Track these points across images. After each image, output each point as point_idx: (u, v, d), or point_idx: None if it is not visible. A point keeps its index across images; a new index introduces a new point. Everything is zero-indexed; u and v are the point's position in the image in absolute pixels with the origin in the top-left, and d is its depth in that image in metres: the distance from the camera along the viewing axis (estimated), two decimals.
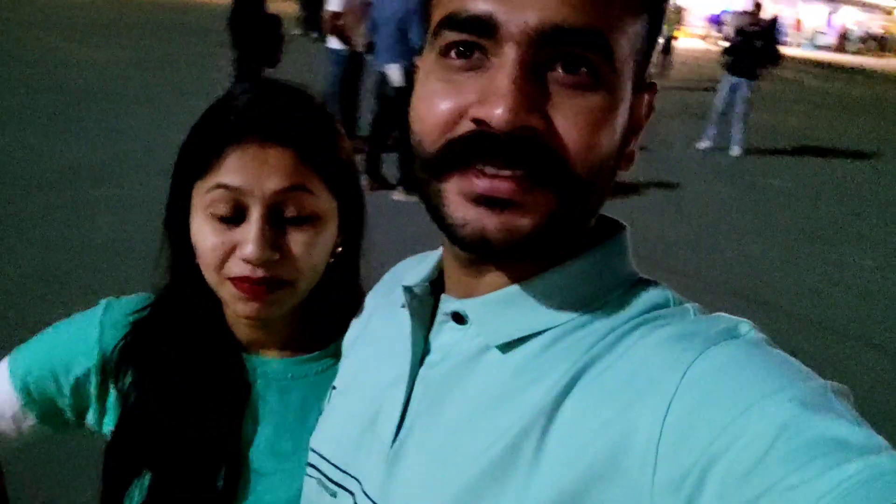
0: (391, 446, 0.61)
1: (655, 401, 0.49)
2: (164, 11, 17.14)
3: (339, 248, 0.88)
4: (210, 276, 0.82)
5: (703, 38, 34.37)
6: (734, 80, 8.90)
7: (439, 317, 0.65)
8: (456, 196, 0.53)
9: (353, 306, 0.90)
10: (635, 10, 0.53)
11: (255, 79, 0.88)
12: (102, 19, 14.09)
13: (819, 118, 13.67)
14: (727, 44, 9.67)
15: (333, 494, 0.67)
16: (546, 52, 0.51)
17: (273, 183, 0.78)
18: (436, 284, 0.68)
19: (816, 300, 4.80)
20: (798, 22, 41.05)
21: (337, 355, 0.88)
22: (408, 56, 5.44)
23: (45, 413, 0.89)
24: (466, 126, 0.52)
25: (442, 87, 0.54)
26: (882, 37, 46.13)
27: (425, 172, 0.56)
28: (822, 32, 44.78)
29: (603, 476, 0.49)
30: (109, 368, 0.87)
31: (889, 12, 51.11)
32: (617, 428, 0.50)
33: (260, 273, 0.78)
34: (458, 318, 0.62)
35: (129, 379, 0.86)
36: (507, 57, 0.51)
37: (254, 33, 6.59)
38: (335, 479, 0.67)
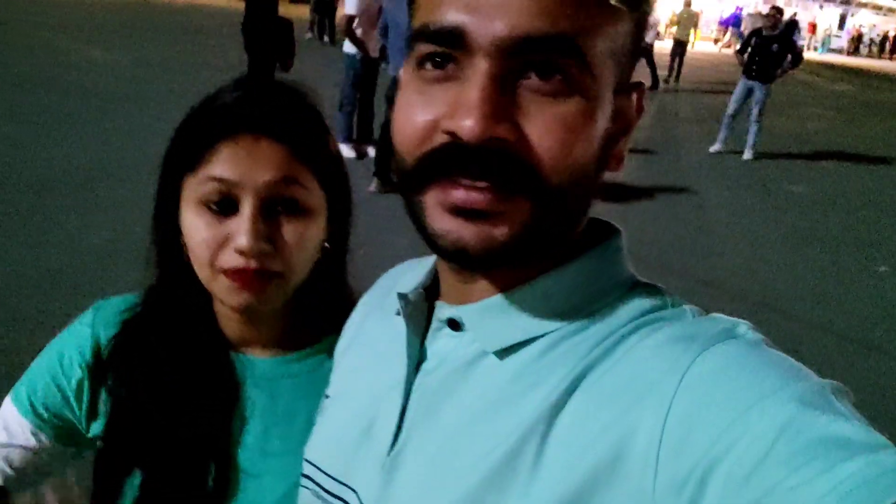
0: (388, 454, 0.61)
1: (655, 403, 0.49)
2: (170, 13, 17.24)
3: (327, 244, 0.88)
4: (202, 269, 0.82)
5: (716, 41, 34.23)
6: (749, 83, 8.86)
7: (434, 323, 0.64)
8: (435, 207, 0.54)
9: (341, 303, 0.90)
10: (612, 12, 0.52)
11: (271, 79, 0.90)
12: (108, 21, 14.15)
13: (832, 122, 13.57)
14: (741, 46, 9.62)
15: None
16: (517, 60, 0.51)
17: (266, 175, 0.79)
18: (430, 291, 0.67)
19: (830, 307, 4.76)
20: (811, 25, 40.79)
21: (326, 353, 0.88)
22: None
23: (59, 431, 0.89)
24: (440, 138, 0.52)
25: (417, 99, 0.54)
26: (892, 38, 45.72)
27: (406, 184, 0.56)
28: (835, 35, 44.51)
29: (604, 480, 0.49)
30: (100, 368, 0.87)
31: None
32: (617, 431, 0.50)
33: (253, 264, 0.79)
34: (454, 325, 0.62)
35: (118, 378, 0.87)
36: (478, 68, 0.51)
37: (266, 37, 6.63)
38: (331, 490, 0.67)
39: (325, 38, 15.15)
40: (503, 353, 0.58)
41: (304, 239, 0.82)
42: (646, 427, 0.48)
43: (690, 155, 8.97)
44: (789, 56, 8.80)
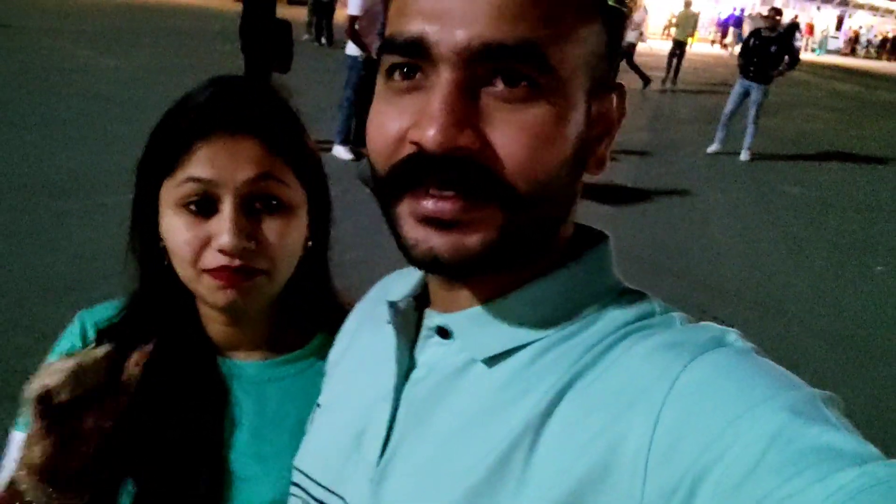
0: (377, 465, 0.61)
1: (645, 411, 0.48)
2: (178, 17, 17.24)
3: (309, 242, 0.88)
4: (185, 270, 0.81)
5: (714, 42, 34.29)
6: (746, 83, 8.87)
7: (424, 331, 0.64)
8: (408, 217, 0.54)
9: (326, 303, 0.90)
10: (582, 16, 0.52)
11: (268, 82, 0.89)
12: (117, 25, 14.15)
13: (830, 123, 13.59)
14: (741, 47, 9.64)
15: None
16: (481, 68, 0.50)
17: (244, 173, 0.78)
18: (420, 299, 0.67)
19: (827, 307, 4.76)
20: (809, 26, 40.87)
21: (314, 355, 0.88)
22: None
23: None
24: (408, 149, 0.52)
25: (387, 109, 0.55)
26: (892, 40, 45.82)
27: (381, 195, 0.56)
28: (833, 37, 44.61)
29: (593, 488, 0.49)
30: None
31: None
32: (606, 439, 0.49)
33: (237, 262, 0.79)
34: (443, 333, 0.62)
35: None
36: (441, 77, 0.50)
37: (264, 39, 6.62)
38: (320, 499, 0.66)
39: (323, 40, 15.16)
40: (492, 360, 0.58)
41: (286, 235, 0.82)
42: (635, 434, 0.48)
43: (688, 156, 8.98)
44: (787, 57, 8.82)
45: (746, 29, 23.58)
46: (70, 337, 0.89)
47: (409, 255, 0.54)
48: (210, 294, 0.81)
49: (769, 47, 8.68)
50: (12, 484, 0.72)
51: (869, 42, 46.66)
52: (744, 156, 9.05)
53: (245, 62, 6.77)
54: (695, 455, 0.45)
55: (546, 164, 0.52)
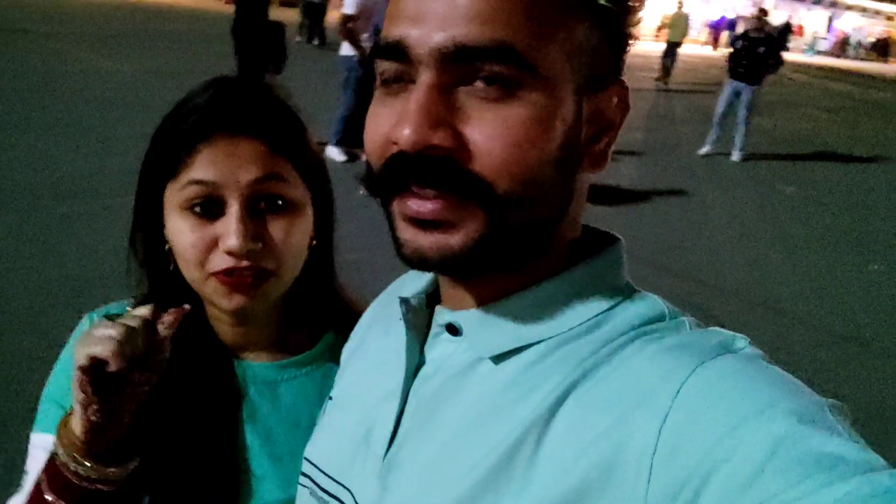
0: (383, 459, 0.61)
1: (651, 413, 0.49)
2: (174, 20, 17.24)
3: (314, 241, 0.88)
4: (192, 273, 0.81)
5: (705, 43, 34.41)
6: (736, 84, 8.90)
7: (434, 328, 0.65)
8: (398, 217, 0.55)
9: (333, 300, 0.90)
10: (566, 15, 0.52)
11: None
12: (113, 28, 14.14)
13: (823, 122, 13.67)
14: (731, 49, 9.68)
15: None
16: (459, 69, 0.51)
17: (248, 174, 0.78)
18: (432, 297, 0.68)
19: (824, 305, 4.79)
20: (799, 28, 41.07)
21: (324, 354, 0.88)
22: None
23: None
24: (392, 149, 0.53)
25: (379, 111, 0.56)
26: (884, 42, 46.09)
27: (378, 196, 0.57)
28: (822, 38, 44.83)
29: (596, 487, 0.49)
30: None
31: (890, 18, 51.12)
32: (611, 440, 0.49)
33: (244, 263, 0.78)
34: (453, 330, 0.62)
35: None
36: (421, 78, 0.52)
37: (257, 41, 6.61)
38: (328, 489, 0.67)
39: (315, 42, 15.15)
40: (499, 358, 0.58)
41: (292, 234, 0.82)
42: (641, 435, 0.48)
43: (683, 156, 9.01)
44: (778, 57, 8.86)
45: (741, 31, 23.65)
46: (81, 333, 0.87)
47: (400, 255, 0.55)
48: (218, 297, 0.81)
49: (757, 48, 8.71)
50: (53, 459, 0.71)
51: (859, 43, 46.91)
52: (735, 157, 9.08)
53: (238, 64, 6.75)
54: (700, 457, 0.45)
55: (526, 163, 0.51)
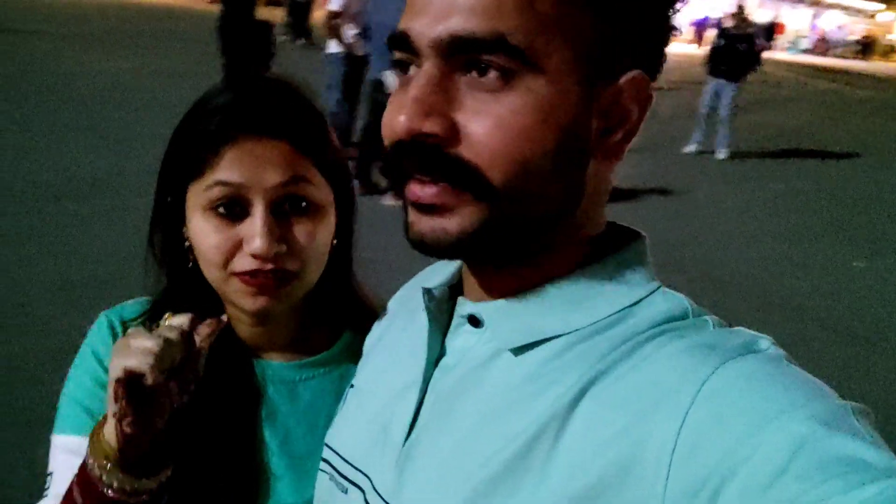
0: (402, 448, 0.62)
1: (671, 411, 0.48)
2: (164, 20, 17.12)
3: (335, 241, 0.87)
4: (215, 274, 0.80)
5: (690, 41, 34.57)
6: (717, 82, 8.93)
7: (456, 319, 0.65)
8: (407, 202, 0.57)
9: (352, 299, 0.89)
10: (568, 5, 0.52)
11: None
12: (106, 28, 14.03)
13: (809, 120, 13.74)
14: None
15: (344, 490, 0.67)
16: (457, 60, 0.52)
17: (273, 176, 0.78)
18: (455, 288, 0.68)
19: (812, 299, 4.84)
20: (781, 26, 41.34)
21: (343, 353, 0.88)
22: None
23: None
24: (395, 136, 0.54)
25: (392, 100, 0.57)
26: (868, 41, 46.49)
27: (391, 182, 0.59)
28: (804, 36, 45.16)
29: (614, 484, 0.49)
30: None
31: (871, 16, 51.59)
32: (630, 437, 0.49)
33: (269, 266, 0.78)
34: (474, 322, 0.62)
35: None
36: (421, 68, 0.54)
37: (244, 40, 6.56)
38: (346, 475, 0.68)
39: (301, 41, 15.08)
40: (519, 351, 0.58)
41: (315, 236, 0.82)
42: (660, 433, 0.48)
43: (668, 155, 9.03)
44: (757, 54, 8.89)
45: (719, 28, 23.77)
46: (98, 336, 0.87)
47: (406, 237, 0.57)
48: (240, 298, 0.80)
49: (737, 45, 8.74)
50: (85, 470, 0.70)
51: (841, 41, 47.28)
52: (721, 154, 9.11)
53: (224, 63, 6.70)
54: (720, 457, 0.44)
55: (519, 153, 0.51)
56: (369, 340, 0.83)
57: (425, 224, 0.55)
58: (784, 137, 11.13)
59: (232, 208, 0.79)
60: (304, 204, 0.81)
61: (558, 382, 0.54)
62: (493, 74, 0.51)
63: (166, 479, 0.74)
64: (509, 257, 0.58)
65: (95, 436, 0.71)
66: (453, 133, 0.52)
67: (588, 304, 0.58)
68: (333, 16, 6.22)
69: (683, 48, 31.02)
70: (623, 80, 0.55)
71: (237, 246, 0.79)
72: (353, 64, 6.30)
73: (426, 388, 0.64)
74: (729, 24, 9.33)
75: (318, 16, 11.10)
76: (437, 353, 0.65)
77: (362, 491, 0.65)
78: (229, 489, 0.81)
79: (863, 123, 14.41)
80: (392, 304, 0.84)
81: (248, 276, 0.79)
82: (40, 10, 15.02)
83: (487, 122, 0.52)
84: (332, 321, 0.93)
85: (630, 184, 7.01)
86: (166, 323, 0.72)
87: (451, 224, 0.54)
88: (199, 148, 0.79)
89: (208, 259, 0.80)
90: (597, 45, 0.53)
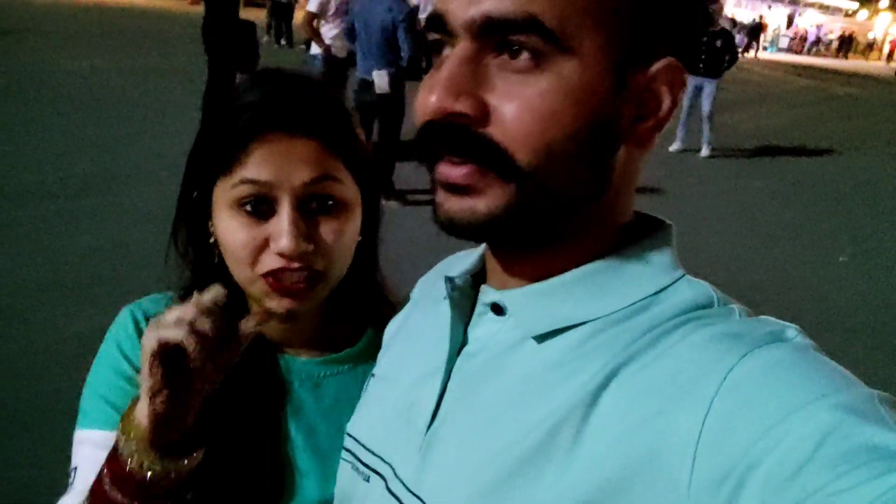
0: (425, 435, 0.61)
1: (696, 400, 0.48)
2: (137, 19, 17.04)
3: (359, 238, 0.87)
4: (241, 272, 0.80)
5: None
6: (697, 79, 8.98)
7: (479, 307, 0.64)
8: (436, 182, 0.56)
9: (376, 295, 0.89)
10: None
11: (233, 83, 0.87)
12: (77, 28, 13.94)
13: (791, 118, 13.88)
14: None
15: (367, 479, 0.67)
16: (489, 41, 0.52)
17: (302, 175, 0.77)
18: (478, 277, 0.67)
19: (798, 296, 4.88)
20: (766, 26, 41.79)
21: (366, 350, 0.88)
22: (394, 64, 5.42)
23: None
24: (426, 117, 0.55)
25: (425, 82, 0.57)
26: (847, 39, 47.11)
27: (422, 163, 0.58)
28: (785, 35, 45.69)
29: (639, 473, 0.48)
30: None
31: (849, 14, 52.28)
32: (656, 425, 0.49)
33: (296, 265, 0.77)
34: (497, 309, 0.62)
35: None
36: (454, 50, 0.54)
37: (228, 40, 6.52)
38: (368, 463, 0.67)
39: (283, 42, 15.03)
40: (543, 338, 0.58)
41: (343, 234, 0.81)
42: (685, 422, 0.47)
43: (655, 154, 9.06)
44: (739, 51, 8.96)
45: None
46: (122, 329, 0.86)
47: (435, 219, 0.57)
48: (267, 299, 0.80)
49: (714, 42, 8.80)
50: (116, 453, 0.69)
51: (819, 39, 47.88)
52: (704, 151, 9.17)
53: (209, 63, 6.67)
54: (746, 446, 0.44)
55: (547, 135, 0.51)
56: (389, 330, 0.83)
57: (454, 204, 0.55)
58: (768, 135, 11.22)
59: (259, 206, 0.78)
60: (331, 202, 0.80)
61: (583, 370, 0.54)
62: (524, 56, 0.51)
63: (196, 466, 0.72)
64: (537, 241, 0.58)
65: (126, 417, 0.69)
66: (483, 114, 0.52)
67: (613, 291, 0.57)
68: (311, 17, 6.21)
69: None
70: (656, 66, 0.54)
71: (264, 244, 0.78)
72: (333, 65, 6.29)
73: (449, 375, 0.63)
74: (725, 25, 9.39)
75: (299, 17, 11.10)
76: (459, 342, 0.64)
77: (384, 479, 0.64)
78: (255, 485, 0.80)
79: (843, 121, 14.56)
80: (413, 294, 0.83)
81: (272, 279, 0.78)
82: (17, 10, 14.87)
83: (517, 104, 0.51)
84: (355, 317, 0.93)
85: None
86: (199, 296, 0.70)
87: (480, 204, 0.53)
88: (228, 144, 0.78)
89: (236, 258, 0.79)
90: (630, 29, 0.53)
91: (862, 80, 27.17)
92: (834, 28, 50.53)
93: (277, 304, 0.79)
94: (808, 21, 49.50)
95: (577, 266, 0.58)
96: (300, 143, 0.77)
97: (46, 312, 3.37)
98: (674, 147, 9.28)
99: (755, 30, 31.57)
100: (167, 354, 0.63)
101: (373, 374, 0.78)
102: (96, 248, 4.21)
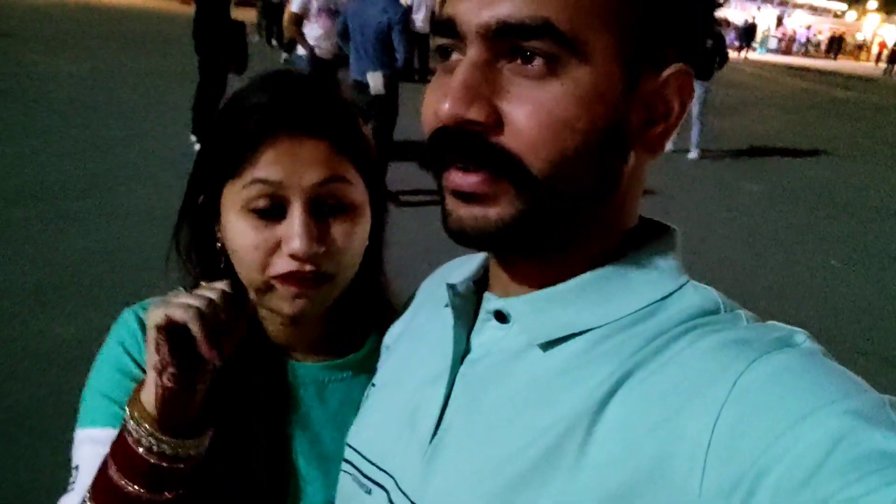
0: (429, 443, 0.60)
1: (705, 407, 0.47)
2: (126, 20, 16.91)
3: (367, 241, 0.86)
4: (252, 275, 0.79)
5: None
6: None
7: (482, 315, 0.64)
8: (445, 190, 0.56)
9: (380, 300, 0.89)
10: None
11: (224, 84, 0.87)
12: (66, 29, 13.82)
13: (783, 121, 13.91)
14: None
15: (368, 491, 0.66)
16: (502, 46, 0.52)
17: (312, 176, 0.77)
18: (480, 283, 0.67)
19: (789, 301, 4.89)
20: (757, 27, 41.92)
21: (371, 356, 0.88)
22: (389, 65, 5.39)
23: None
24: (437, 123, 0.54)
25: (432, 87, 0.57)
26: (837, 39, 47.31)
27: (429, 170, 0.57)
28: (773, 36, 45.87)
29: (648, 481, 0.48)
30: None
31: (839, 16, 52.54)
32: (664, 433, 0.48)
33: (307, 268, 0.77)
34: (501, 317, 0.61)
35: None
36: (467, 55, 0.53)
37: (219, 40, 6.48)
38: (370, 475, 0.66)
39: (273, 42, 14.97)
40: (548, 345, 0.57)
41: (353, 236, 0.81)
42: (694, 429, 0.47)
43: None
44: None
45: None
46: (125, 329, 0.85)
47: (444, 227, 0.56)
48: (278, 302, 0.79)
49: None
50: (122, 438, 0.69)
51: (808, 40, 48.10)
52: (693, 154, 9.13)
53: (199, 63, 6.63)
54: (756, 453, 0.44)
55: (560, 142, 0.51)
56: (390, 336, 0.82)
57: (465, 212, 0.54)
58: (759, 138, 11.24)
59: (269, 208, 0.77)
60: (341, 204, 0.80)
61: (589, 377, 0.54)
62: (538, 62, 0.51)
63: (206, 445, 0.72)
64: (544, 248, 0.58)
65: (133, 400, 0.70)
66: (496, 121, 0.52)
67: (618, 297, 0.57)
68: (294, 18, 6.13)
69: None
70: (667, 72, 0.55)
71: (275, 247, 0.77)
72: (319, 66, 6.17)
73: (453, 382, 0.62)
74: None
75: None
76: (463, 349, 0.63)
77: (386, 491, 0.63)
78: (259, 490, 0.80)
79: (837, 126, 14.60)
80: (416, 297, 0.82)
81: (282, 279, 0.77)
82: (17, 12, 14.77)
83: (530, 110, 0.51)
84: (359, 322, 0.92)
85: None
86: (204, 286, 0.71)
87: (492, 213, 0.53)
88: (237, 146, 0.77)
89: (247, 261, 0.78)
90: (642, 35, 0.53)
91: (850, 81, 27.30)
92: (823, 29, 50.78)
93: (289, 306, 0.79)
94: (797, 22, 49.72)
95: (581, 272, 0.58)
96: (311, 144, 0.77)
97: (45, 314, 3.36)
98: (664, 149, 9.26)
99: (749, 31, 31.66)
100: (172, 332, 0.64)
101: (373, 384, 0.77)
102: (95, 250, 4.19)
